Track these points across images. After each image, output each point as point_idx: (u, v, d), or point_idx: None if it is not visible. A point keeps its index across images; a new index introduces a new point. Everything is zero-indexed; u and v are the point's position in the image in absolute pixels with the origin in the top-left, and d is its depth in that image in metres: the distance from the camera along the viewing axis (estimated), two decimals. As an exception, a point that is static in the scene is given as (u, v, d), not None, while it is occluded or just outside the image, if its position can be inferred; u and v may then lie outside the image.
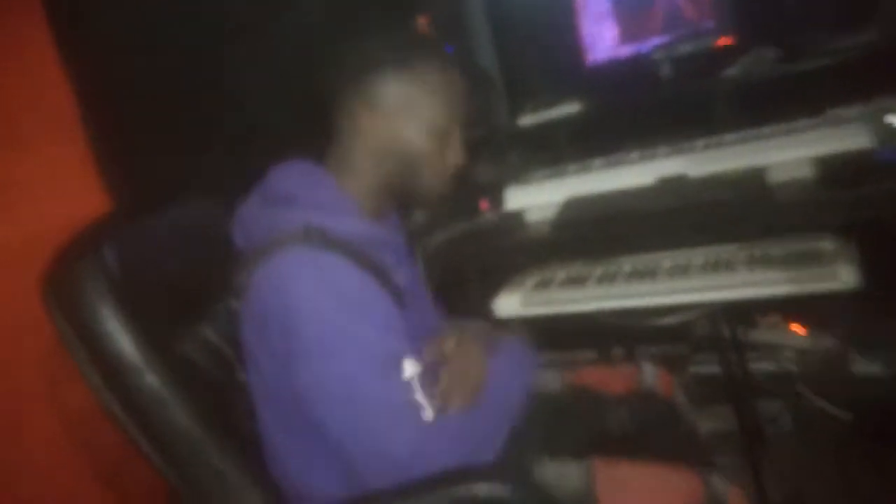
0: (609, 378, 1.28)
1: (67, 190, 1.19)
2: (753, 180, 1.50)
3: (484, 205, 1.89)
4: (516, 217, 1.79)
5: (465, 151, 1.04)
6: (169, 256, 1.00)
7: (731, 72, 1.77)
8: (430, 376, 0.94)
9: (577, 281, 1.61)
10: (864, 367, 1.76)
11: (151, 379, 0.87)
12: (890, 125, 1.42)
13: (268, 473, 0.98)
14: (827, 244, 1.44)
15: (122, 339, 0.86)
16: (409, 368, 0.89)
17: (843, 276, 1.33)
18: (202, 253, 1.04)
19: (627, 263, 1.61)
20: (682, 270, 1.51)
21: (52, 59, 1.19)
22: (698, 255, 1.55)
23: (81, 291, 0.87)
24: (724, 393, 1.67)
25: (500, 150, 1.99)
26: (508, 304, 1.63)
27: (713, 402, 1.88)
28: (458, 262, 1.79)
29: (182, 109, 1.36)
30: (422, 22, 1.92)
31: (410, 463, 0.83)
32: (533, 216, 1.77)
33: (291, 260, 0.87)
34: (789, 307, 1.86)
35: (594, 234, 1.60)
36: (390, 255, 1.01)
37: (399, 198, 1.06)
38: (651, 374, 1.30)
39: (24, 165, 1.14)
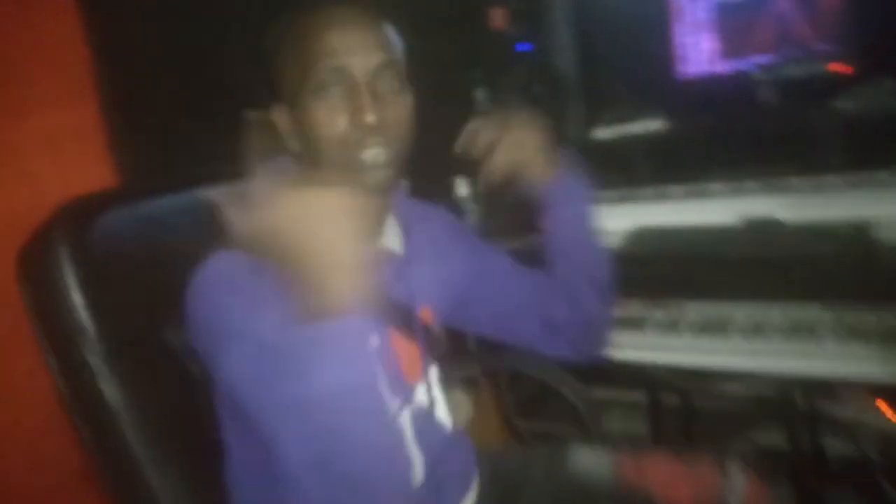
0: (678, 479, 1.02)
1: (72, 156, 1.10)
2: (856, 234, 1.30)
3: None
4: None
5: (371, 105, 0.78)
6: (162, 242, 0.90)
7: (845, 103, 1.53)
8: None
9: (634, 324, 1.43)
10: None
11: (109, 382, 0.80)
12: None
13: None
14: (939, 322, 1.22)
15: (86, 334, 0.79)
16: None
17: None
18: (197, 240, 0.92)
19: (695, 313, 1.42)
20: (757, 329, 1.31)
21: (73, 19, 1.09)
22: (777, 313, 1.34)
23: (50, 274, 0.79)
24: (787, 470, 1.45)
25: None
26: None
27: (774, 481, 1.67)
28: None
29: (205, 87, 1.25)
30: (496, 14, 1.76)
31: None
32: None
33: (214, 263, 0.75)
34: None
35: (661, 272, 1.42)
36: (382, 272, 0.84)
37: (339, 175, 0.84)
38: (738, 484, 1.01)
39: (30, 127, 1.05)
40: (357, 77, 0.77)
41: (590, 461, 1.07)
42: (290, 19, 0.81)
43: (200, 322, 0.74)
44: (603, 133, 1.79)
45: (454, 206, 1.76)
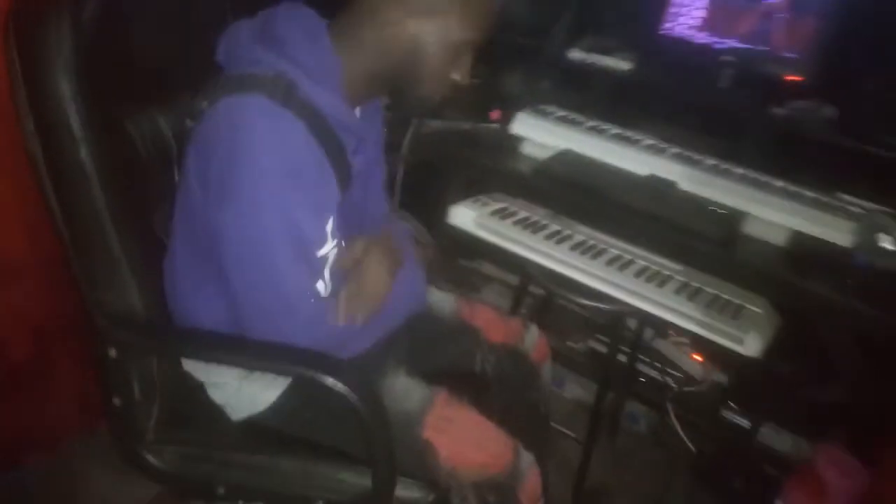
0: (495, 324, 1.36)
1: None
2: (729, 220, 1.53)
3: (495, 114, 1.89)
4: (515, 141, 1.81)
5: (468, 71, 1.04)
6: (155, 33, 1.00)
7: (780, 110, 1.72)
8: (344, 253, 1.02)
9: (532, 226, 1.67)
10: (731, 415, 1.88)
11: (83, 150, 0.88)
12: (876, 240, 1.43)
13: (158, 280, 1.05)
14: (757, 309, 1.50)
15: (69, 103, 0.85)
16: (326, 248, 0.96)
17: (749, 343, 1.41)
18: (190, 44, 1.02)
19: (581, 234, 1.66)
20: (621, 265, 1.57)
21: None
22: (643, 260, 1.60)
23: (42, 37, 0.83)
24: (601, 373, 1.77)
25: (537, 70, 1.96)
26: (463, 215, 1.69)
27: (589, 377, 2.02)
28: (440, 156, 1.83)
29: None
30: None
31: (288, 334, 0.94)
32: (529, 148, 1.78)
33: (252, 105, 0.89)
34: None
35: (568, 194, 1.63)
36: (352, 138, 1.03)
37: (390, 93, 1.07)
38: (532, 337, 1.39)
39: None
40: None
41: (437, 299, 1.35)
42: None
43: (225, 169, 0.89)
44: (576, 55, 1.93)
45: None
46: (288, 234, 0.91)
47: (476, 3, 0.97)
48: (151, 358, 1.03)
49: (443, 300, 1.36)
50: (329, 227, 0.97)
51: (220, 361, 1.03)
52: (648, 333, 2.00)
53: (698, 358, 1.95)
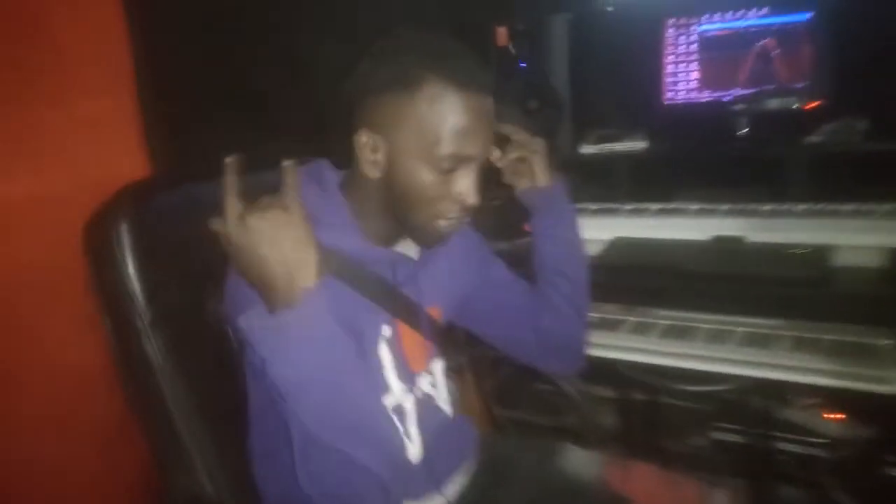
0: (661, 494, 1.13)
1: (107, 145, 1.17)
2: (816, 258, 1.41)
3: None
4: (559, 247, 1.72)
5: (477, 188, 0.88)
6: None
7: (814, 138, 1.67)
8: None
9: (608, 325, 1.55)
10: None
11: (152, 343, 0.89)
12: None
13: (236, 462, 0.97)
14: (884, 342, 1.34)
15: (136, 300, 0.88)
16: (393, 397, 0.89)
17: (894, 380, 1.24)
18: None
19: (664, 319, 1.54)
20: (721, 337, 1.43)
21: (116, 10, 1.16)
22: (741, 325, 1.46)
23: (110, 245, 0.88)
24: (741, 466, 1.57)
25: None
26: (533, 335, 1.57)
27: (728, 474, 1.79)
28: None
29: (241, 86, 1.34)
30: (500, 32, 1.87)
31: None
32: (576, 249, 1.70)
33: None
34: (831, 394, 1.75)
35: (635, 280, 1.53)
36: (388, 269, 0.94)
37: (403, 227, 0.94)
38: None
39: (72, 113, 1.12)
40: (475, 165, 0.86)
41: (580, 461, 1.16)
42: (415, 65, 0.83)
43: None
44: (589, 149, 1.90)
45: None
46: None
47: (449, 112, 0.84)
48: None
49: (581, 464, 1.17)
50: (389, 370, 0.88)
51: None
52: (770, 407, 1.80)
53: (836, 417, 1.74)
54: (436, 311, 1.04)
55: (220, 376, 0.97)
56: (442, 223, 0.88)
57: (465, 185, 0.85)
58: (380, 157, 0.86)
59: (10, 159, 1.05)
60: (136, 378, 0.93)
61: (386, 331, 0.92)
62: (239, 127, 1.11)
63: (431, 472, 0.99)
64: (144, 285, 0.90)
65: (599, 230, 1.69)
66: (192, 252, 0.92)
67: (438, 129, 0.83)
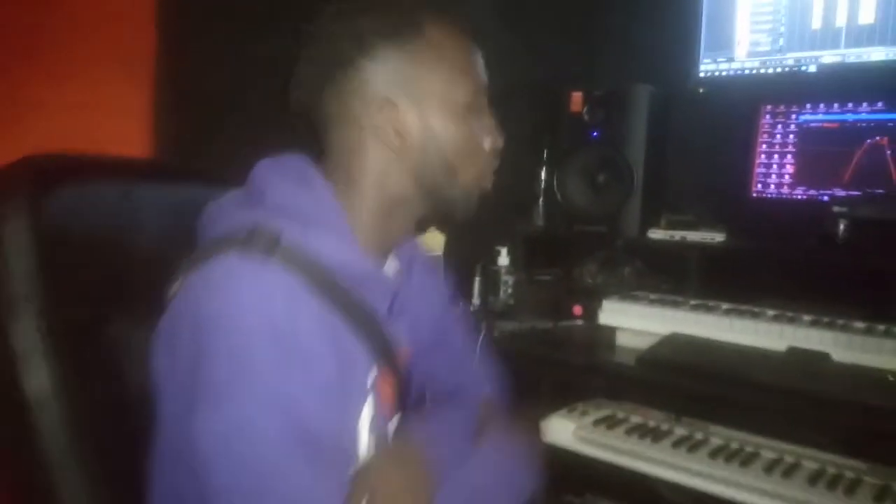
0: None
1: (111, 129, 1.10)
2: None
3: (577, 310, 1.64)
4: (607, 333, 1.52)
5: (498, 130, 0.83)
6: (144, 233, 0.81)
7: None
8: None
9: (651, 433, 1.31)
10: None
11: (35, 370, 0.66)
12: None
13: None
14: None
15: (22, 316, 0.66)
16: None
17: None
18: (174, 246, 0.79)
19: (719, 436, 1.29)
20: (784, 470, 1.17)
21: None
22: (813, 461, 1.20)
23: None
24: None
25: (615, 257, 1.74)
26: (559, 430, 1.35)
27: None
28: (519, 362, 1.54)
29: (258, 93, 1.26)
30: (575, 97, 1.75)
31: None
32: (627, 339, 1.49)
33: (217, 270, 0.67)
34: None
35: (687, 385, 1.30)
36: (380, 297, 0.78)
37: (428, 208, 0.83)
38: None
39: (77, 91, 1.07)
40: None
41: None
42: (421, 22, 0.76)
43: (186, 348, 0.65)
44: (658, 234, 1.71)
45: (491, 273, 1.71)
46: (292, 429, 0.62)
47: (453, 51, 0.78)
48: None
49: None
50: (364, 426, 0.71)
51: None
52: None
53: None
54: (405, 353, 0.86)
55: (117, 423, 0.74)
56: (485, 182, 0.83)
57: (493, 129, 0.82)
58: (385, 127, 0.75)
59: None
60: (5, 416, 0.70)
61: (370, 380, 0.76)
62: (249, 134, 1.01)
63: None
64: (39, 288, 0.68)
65: (654, 322, 1.48)
66: (104, 260, 0.75)
67: (460, 69, 0.78)
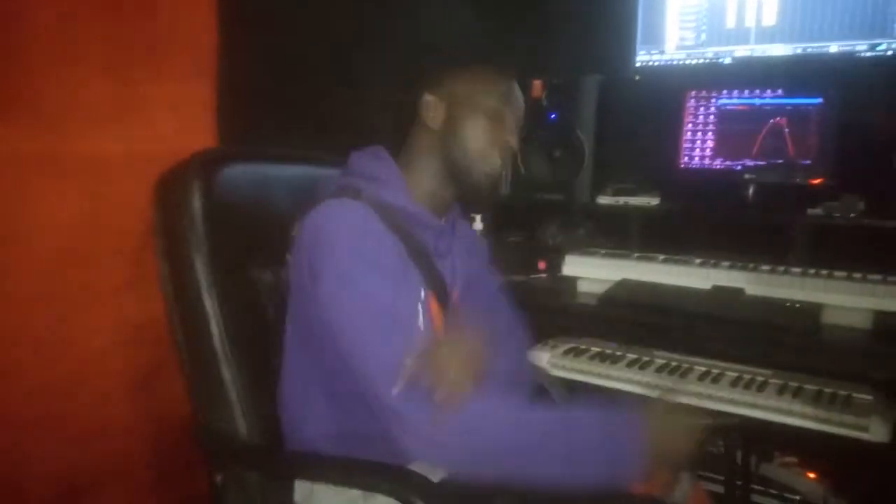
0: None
1: (185, 122, 1.32)
2: (808, 314, 1.51)
3: (542, 265, 1.95)
4: (569, 282, 1.83)
5: (516, 131, 1.12)
6: (267, 200, 1.11)
7: (815, 211, 1.79)
8: None
9: (609, 358, 1.64)
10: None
11: (205, 293, 0.99)
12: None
13: (267, 407, 1.06)
14: (865, 396, 1.43)
15: (195, 254, 0.98)
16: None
17: (874, 429, 1.32)
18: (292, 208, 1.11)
19: (661, 357, 1.63)
20: (713, 378, 1.52)
21: (209, 5, 1.34)
22: (733, 370, 1.56)
23: (181, 200, 1.00)
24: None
25: (571, 220, 2.05)
26: (536, 359, 1.66)
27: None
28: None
29: (317, 86, 1.48)
30: (536, 84, 2.04)
31: (393, 408, 0.87)
32: (585, 286, 1.81)
33: (324, 207, 0.97)
34: (810, 452, 1.81)
35: (636, 318, 1.63)
36: (431, 237, 1.08)
37: (457, 185, 1.11)
38: (684, 487, 1.18)
39: (161, 93, 1.28)
40: (516, 116, 1.11)
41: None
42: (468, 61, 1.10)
43: (313, 260, 0.95)
44: (606, 200, 2.04)
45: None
46: (376, 302, 0.92)
47: (497, 81, 1.10)
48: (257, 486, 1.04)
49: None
50: (420, 319, 0.97)
51: (319, 480, 1.01)
52: (752, 460, 1.87)
53: (816, 479, 1.80)
54: (456, 295, 1.15)
55: (258, 330, 1.08)
56: (492, 169, 1.08)
57: (510, 133, 1.09)
58: (441, 113, 1.06)
59: (106, 123, 1.21)
60: (187, 324, 1.03)
61: (422, 294, 1.04)
62: (297, 125, 1.27)
63: None
64: (209, 242, 1.00)
65: (607, 270, 1.80)
66: (252, 220, 1.06)
67: (498, 92, 1.08)
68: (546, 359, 1.65)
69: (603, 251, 1.93)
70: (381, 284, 0.92)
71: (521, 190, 2.11)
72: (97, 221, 1.21)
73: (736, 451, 1.70)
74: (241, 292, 1.05)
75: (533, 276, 1.91)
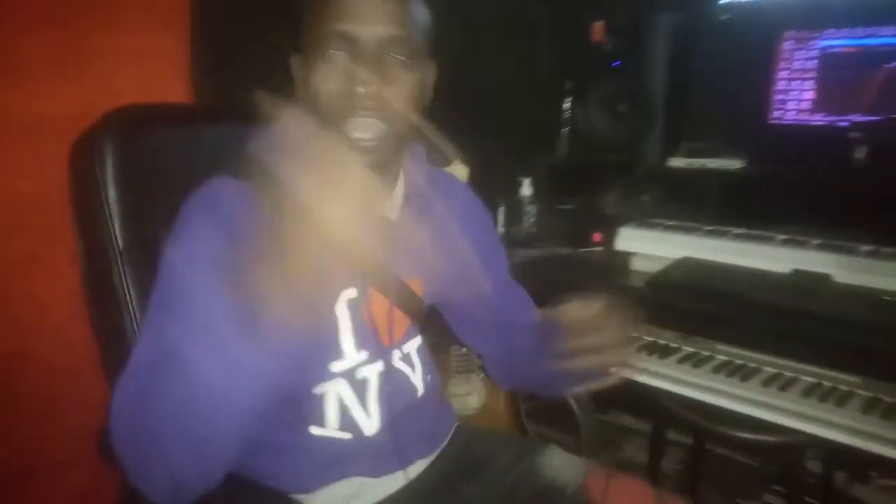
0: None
1: (151, 77, 1.20)
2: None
3: (597, 237, 1.71)
4: (622, 258, 1.60)
5: (376, 77, 0.76)
6: (192, 166, 0.93)
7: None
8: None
9: (659, 351, 1.40)
10: None
11: (121, 271, 0.88)
12: None
13: None
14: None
15: (114, 223, 0.87)
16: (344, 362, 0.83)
17: None
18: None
19: (722, 354, 1.37)
20: (783, 383, 1.26)
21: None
22: (809, 375, 1.28)
23: (91, 168, 0.87)
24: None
25: (636, 185, 1.79)
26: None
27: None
28: (537, 285, 1.63)
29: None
30: (597, 26, 1.77)
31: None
32: (639, 264, 1.56)
33: (204, 188, 0.79)
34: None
35: (696, 306, 1.38)
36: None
37: None
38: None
39: (121, 43, 1.16)
40: (363, 46, 0.77)
41: (560, 464, 1.03)
42: None
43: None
44: (678, 162, 1.76)
45: (515, 204, 1.79)
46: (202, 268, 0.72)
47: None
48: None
49: (563, 467, 1.03)
50: (342, 326, 0.82)
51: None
52: (840, 478, 1.58)
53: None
54: (416, 284, 0.96)
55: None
56: (351, 132, 0.78)
57: (355, 74, 0.76)
58: (300, 73, 0.82)
59: (52, 80, 1.11)
60: (100, 304, 0.92)
61: (350, 292, 0.86)
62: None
63: (395, 451, 0.92)
64: (122, 211, 0.88)
65: (667, 246, 1.55)
66: (177, 189, 0.89)
67: (323, 12, 0.77)
68: (585, 348, 1.44)
69: (668, 223, 1.66)
70: (210, 290, 0.68)
71: (577, 150, 1.87)
72: (44, 186, 1.12)
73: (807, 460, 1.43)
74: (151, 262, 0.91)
75: (582, 249, 1.68)
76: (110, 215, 0.87)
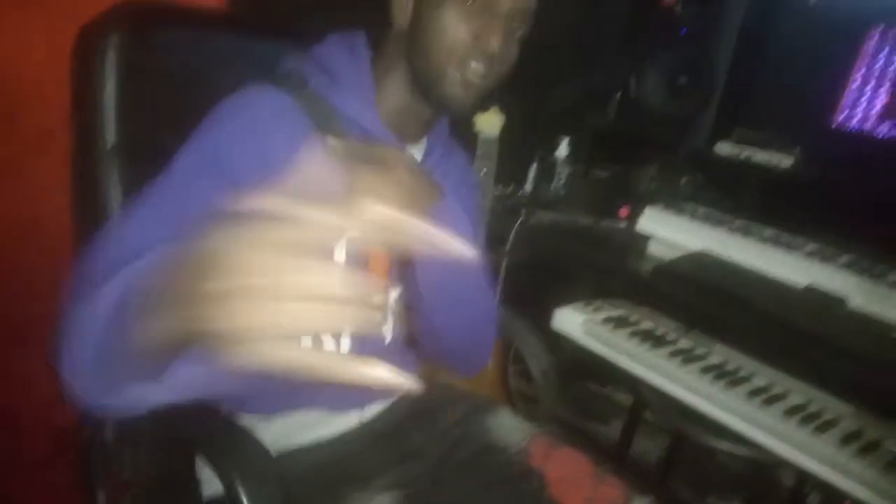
0: (578, 482, 0.96)
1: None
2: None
3: (624, 212, 1.66)
4: (641, 241, 1.55)
5: (505, 43, 0.81)
6: (203, 77, 0.93)
7: None
8: None
9: (654, 340, 1.37)
10: None
11: (106, 169, 0.87)
12: None
13: None
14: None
15: (108, 118, 0.86)
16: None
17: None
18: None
19: (717, 354, 1.33)
20: (767, 398, 1.22)
21: None
22: (800, 394, 1.23)
23: (94, 64, 0.86)
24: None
25: (676, 165, 1.71)
26: (569, 320, 1.44)
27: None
28: (550, 252, 1.60)
29: None
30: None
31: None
32: (656, 248, 1.51)
33: (239, 95, 0.79)
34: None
35: (702, 302, 1.34)
36: None
37: (428, 101, 0.87)
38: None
39: None
40: (500, 7, 0.80)
41: (507, 426, 1.04)
42: None
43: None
44: (725, 149, 1.67)
45: (548, 162, 1.74)
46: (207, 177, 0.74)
47: None
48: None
49: (510, 429, 1.04)
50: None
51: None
52: (815, 498, 1.55)
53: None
54: None
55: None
56: (464, 75, 0.81)
57: (490, 29, 0.79)
58: (409, 7, 0.83)
59: None
60: (83, 202, 0.91)
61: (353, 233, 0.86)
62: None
63: (357, 389, 0.94)
64: (117, 109, 0.86)
65: (689, 236, 1.49)
66: (183, 94, 0.88)
67: None
68: (580, 321, 1.42)
69: (699, 210, 1.59)
70: (208, 188, 0.71)
71: (624, 117, 1.78)
72: (60, 63, 1.09)
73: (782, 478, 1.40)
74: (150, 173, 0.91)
75: (605, 222, 1.63)
76: (102, 110, 0.86)
